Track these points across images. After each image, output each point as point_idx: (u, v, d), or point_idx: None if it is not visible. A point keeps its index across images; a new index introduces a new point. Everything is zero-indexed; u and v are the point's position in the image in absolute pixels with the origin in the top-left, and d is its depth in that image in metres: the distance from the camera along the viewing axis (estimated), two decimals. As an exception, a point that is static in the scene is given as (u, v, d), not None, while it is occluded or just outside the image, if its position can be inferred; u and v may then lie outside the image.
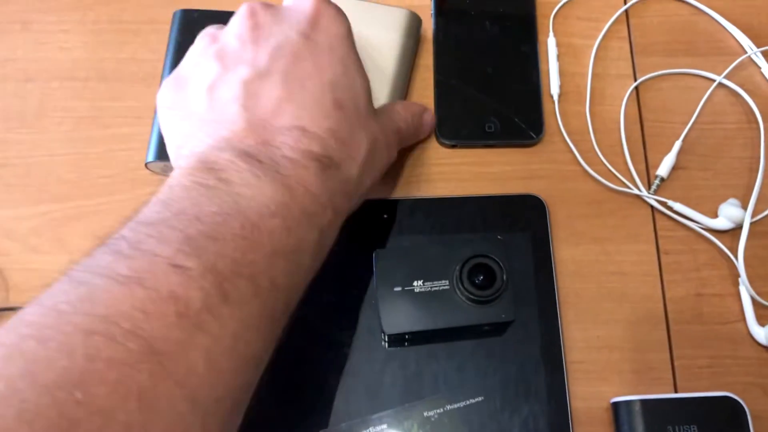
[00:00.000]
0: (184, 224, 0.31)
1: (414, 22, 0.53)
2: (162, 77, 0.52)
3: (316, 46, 0.39)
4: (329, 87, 0.38)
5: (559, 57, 0.54)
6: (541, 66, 0.54)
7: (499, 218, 0.50)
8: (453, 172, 0.52)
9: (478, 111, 0.52)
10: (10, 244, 0.51)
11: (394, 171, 0.52)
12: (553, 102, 0.53)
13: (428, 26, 0.56)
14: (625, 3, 0.56)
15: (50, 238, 0.51)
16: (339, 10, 0.42)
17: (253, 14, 0.40)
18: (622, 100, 0.53)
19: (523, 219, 0.50)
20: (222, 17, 0.52)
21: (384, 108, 0.46)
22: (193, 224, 0.31)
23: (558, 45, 0.54)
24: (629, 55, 0.55)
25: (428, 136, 0.52)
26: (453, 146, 0.52)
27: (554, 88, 0.53)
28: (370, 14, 0.53)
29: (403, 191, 0.52)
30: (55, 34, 0.56)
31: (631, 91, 0.54)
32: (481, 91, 0.53)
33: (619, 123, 0.53)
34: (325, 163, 0.37)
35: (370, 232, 0.49)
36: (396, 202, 0.50)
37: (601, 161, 0.52)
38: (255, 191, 0.33)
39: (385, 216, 0.50)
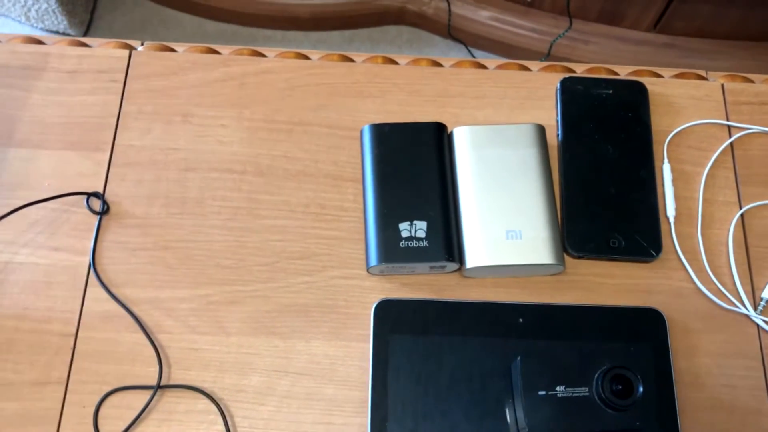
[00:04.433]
0: None
1: (542, 132, 0.60)
2: (363, 184, 0.58)
3: None
4: None
5: (673, 182, 0.60)
6: (657, 189, 0.60)
7: (624, 328, 0.55)
8: (579, 281, 0.57)
9: (603, 227, 0.58)
10: (172, 323, 0.55)
11: (524, 279, 0.57)
12: (669, 223, 0.59)
13: (553, 144, 0.62)
14: (730, 136, 0.62)
15: (208, 319, 0.55)
16: None
17: None
18: (729, 225, 0.59)
19: (644, 330, 0.55)
20: (408, 129, 0.58)
21: None
22: None
23: (672, 171, 0.60)
24: (734, 183, 0.61)
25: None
26: (579, 257, 0.58)
27: (670, 210, 0.59)
28: (504, 136, 0.59)
29: (534, 296, 0.57)
30: (214, 128, 0.61)
31: (738, 218, 0.59)
32: (606, 209, 0.58)
33: (727, 246, 0.59)
34: None
35: (508, 334, 0.54)
36: (531, 306, 0.55)
37: (712, 280, 0.57)
38: None
39: (521, 320, 0.55)
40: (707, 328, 0.56)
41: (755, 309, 0.57)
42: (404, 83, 0.64)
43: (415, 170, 0.58)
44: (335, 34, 1.85)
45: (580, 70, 0.66)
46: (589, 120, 0.62)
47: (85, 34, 1.78)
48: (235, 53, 0.65)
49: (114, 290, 0.56)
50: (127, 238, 0.58)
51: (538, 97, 0.64)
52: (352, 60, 0.66)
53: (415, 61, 0.66)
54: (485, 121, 0.63)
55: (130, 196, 0.59)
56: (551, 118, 0.63)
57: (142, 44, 0.65)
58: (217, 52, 0.65)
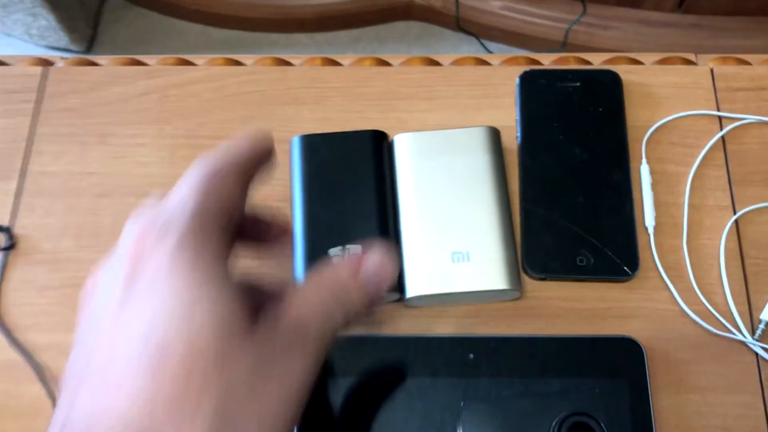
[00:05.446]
0: None
1: (496, 136, 0.52)
2: (292, 204, 0.51)
3: (136, 294, 0.31)
4: (143, 342, 0.29)
5: (652, 185, 0.51)
6: (634, 195, 0.51)
7: (594, 362, 0.47)
8: (542, 307, 0.50)
9: (568, 242, 0.50)
10: (79, 370, 0.49)
11: (478, 305, 0.49)
12: (648, 234, 0.50)
13: (513, 148, 0.54)
14: (722, 128, 0.54)
15: (120, 365, 0.49)
16: (162, 230, 0.32)
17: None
18: (721, 233, 0.50)
19: (618, 363, 0.47)
20: (343, 139, 0.52)
21: (276, 311, 0.32)
22: None
23: (651, 172, 0.52)
24: (727, 184, 0.52)
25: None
26: (542, 279, 0.50)
27: (649, 219, 0.50)
28: (452, 142, 0.51)
29: (489, 327, 0.49)
30: (132, 148, 0.55)
31: (731, 225, 0.51)
32: (572, 221, 0.50)
33: (718, 259, 0.50)
34: None
35: (456, 373, 0.47)
36: (482, 340, 0.48)
37: (701, 301, 0.49)
38: None
39: (471, 356, 0.47)
40: (695, 358, 0.48)
41: (753, 334, 0.48)
42: (345, 87, 0.57)
43: (349, 187, 0.51)
44: (342, 34, 1.79)
45: (547, 61, 0.58)
46: (553, 118, 0.53)
47: (89, 49, 1.75)
48: (161, 63, 0.59)
49: (19, 335, 0.50)
50: (34, 275, 0.52)
51: (498, 95, 0.56)
52: (289, 63, 0.59)
53: (359, 61, 0.59)
54: (436, 125, 0.55)
55: (39, 228, 0.53)
56: (511, 118, 0.55)
57: (62, 59, 0.60)
58: (144, 64, 0.59)
